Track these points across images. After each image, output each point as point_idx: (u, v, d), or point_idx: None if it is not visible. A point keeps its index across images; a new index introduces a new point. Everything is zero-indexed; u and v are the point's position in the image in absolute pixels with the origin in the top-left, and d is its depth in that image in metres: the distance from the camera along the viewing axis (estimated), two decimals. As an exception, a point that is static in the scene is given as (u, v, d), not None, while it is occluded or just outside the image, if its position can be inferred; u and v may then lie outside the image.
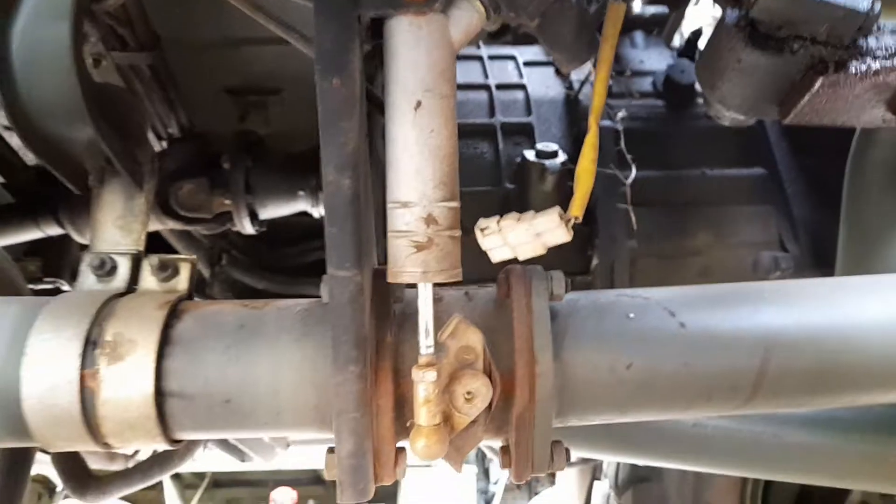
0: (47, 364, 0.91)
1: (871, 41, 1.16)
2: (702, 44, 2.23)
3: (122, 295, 1.04)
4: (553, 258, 1.05)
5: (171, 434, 0.96)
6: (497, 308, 1.03)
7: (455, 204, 0.92)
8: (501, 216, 1.00)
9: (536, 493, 4.43)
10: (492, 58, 2.27)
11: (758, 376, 1.03)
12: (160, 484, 5.96)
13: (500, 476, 6.31)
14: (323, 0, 0.85)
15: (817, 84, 1.15)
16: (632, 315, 1.04)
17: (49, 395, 0.90)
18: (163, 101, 1.80)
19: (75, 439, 0.93)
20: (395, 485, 5.87)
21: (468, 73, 2.20)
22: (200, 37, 1.70)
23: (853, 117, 1.23)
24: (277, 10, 1.22)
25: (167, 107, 1.83)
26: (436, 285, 0.91)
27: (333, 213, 0.87)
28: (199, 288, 2.15)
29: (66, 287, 1.81)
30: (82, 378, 0.91)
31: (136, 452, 1.60)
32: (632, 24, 2.40)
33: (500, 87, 2.15)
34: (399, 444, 0.98)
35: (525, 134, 2.05)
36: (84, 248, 1.47)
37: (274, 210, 1.92)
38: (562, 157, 1.80)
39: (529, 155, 1.83)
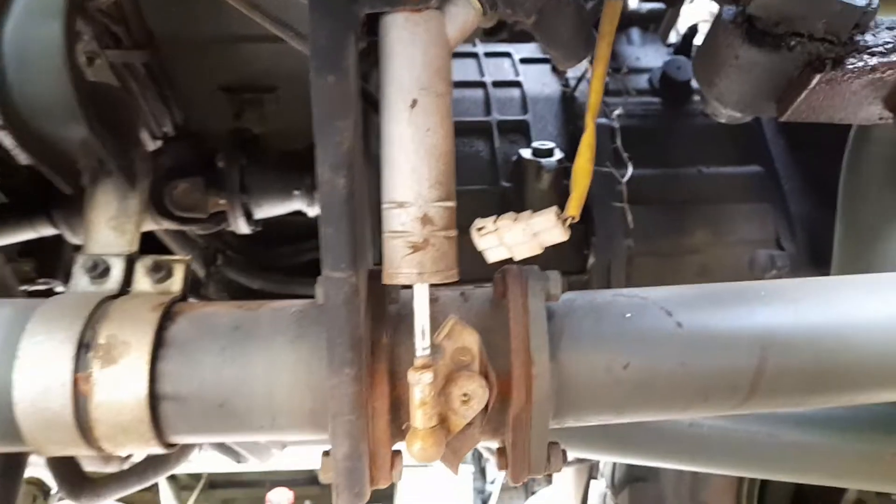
0: (40, 367, 0.90)
1: (869, 37, 1.15)
2: (698, 40, 2.22)
3: (115, 297, 1.03)
4: (549, 257, 1.04)
5: (165, 438, 0.96)
6: (493, 308, 1.03)
7: (451, 204, 0.91)
8: (498, 216, 0.99)
9: (533, 493, 4.43)
10: (487, 55, 2.25)
11: (755, 376, 1.03)
12: (156, 485, 5.95)
13: (497, 475, 6.31)
14: None
15: (814, 81, 1.14)
16: (629, 315, 1.04)
17: (41, 399, 0.90)
18: (157, 100, 1.79)
19: (68, 443, 0.92)
20: (392, 485, 5.82)
21: (464, 70, 2.19)
22: (195, 34, 1.69)
23: (850, 114, 1.23)
24: (272, 7, 1.21)
25: (162, 105, 1.82)
26: (432, 286, 0.90)
27: (328, 213, 0.86)
28: (194, 288, 2.14)
29: (60, 288, 1.80)
30: (75, 381, 0.90)
31: (131, 455, 1.59)
32: (628, 20, 2.39)
33: (495, 84, 2.14)
34: (395, 447, 0.97)
35: (521, 132, 2.03)
36: (78, 248, 1.46)
37: (269, 209, 1.91)
38: (558, 154, 1.79)
39: (525, 153, 1.82)
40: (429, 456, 0.86)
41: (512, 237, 0.98)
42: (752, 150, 2.05)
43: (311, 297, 1.00)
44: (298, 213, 1.96)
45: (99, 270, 1.06)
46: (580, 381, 1.00)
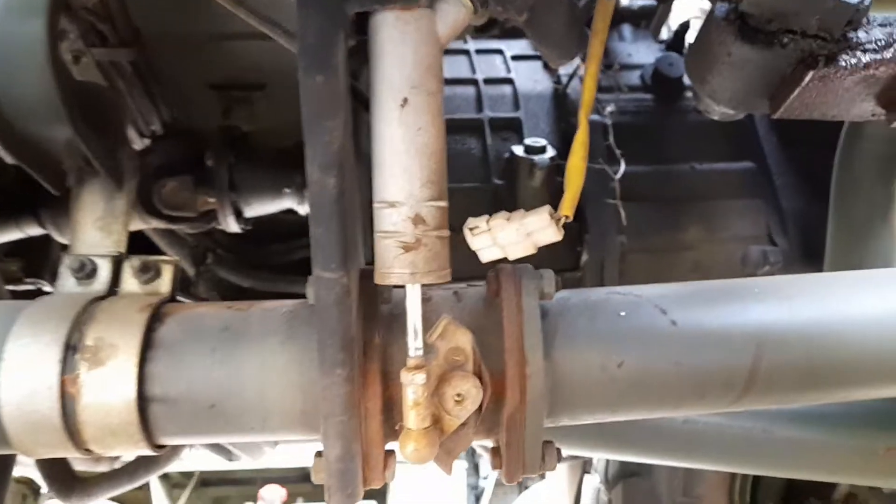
0: (26, 370, 0.89)
1: (861, 34, 1.15)
2: (690, 37, 2.22)
3: (102, 298, 1.02)
4: (542, 255, 1.04)
5: (154, 439, 0.95)
6: (486, 307, 1.02)
7: (443, 203, 0.90)
8: (491, 215, 0.98)
9: (526, 488, 4.43)
10: (479, 52, 2.24)
11: (750, 373, 1.03)
12: (147, 484, 5.93)
13: (490, 471, 6.32)
14: None
15: (807, 78, 1.14)
16: (623, 313, 1.03)
17: (28, 402, 0.88)
18: (145, 98, 1.77)
19: (56, 446, 0.91)
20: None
21: (455, 67, 2.18)
22: (182, 31, 1.68)
23: (843, 111, 1.23)
24: (260, 4, 1.20)
25: (149, 103, 1.80)
26: (424, 285, 0.89)
27: (318, 213, 0.85)
28: (184, 287, 2.12)
29: (47, 288, 1.78)
30: (62, 384, 0.89)
31: (122, 455, 1.58)
32: (619, 17, 2.38)
33: (487, 81, 2.13)
34: (388, 447, 0.97)
35: (513, 129, 2.03)
36: (66, 248, 1.44)
37: (259, 208, 1.90)
38: (551, 152, 1.79)
39: (518, 150, 1.81)
40: (422, 457, 0.85)
41: (505, 237, 0.97)
42: (744, 147, 2.04)
43: (303, 295, 1.00)
44: (289, 212, 1.95)
45: (86, 271, 1.05)
46: (575, 379, 0.99)
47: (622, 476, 2.50)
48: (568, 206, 0.97)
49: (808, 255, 1.90)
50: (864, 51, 1.15)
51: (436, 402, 0.88)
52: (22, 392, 0.88)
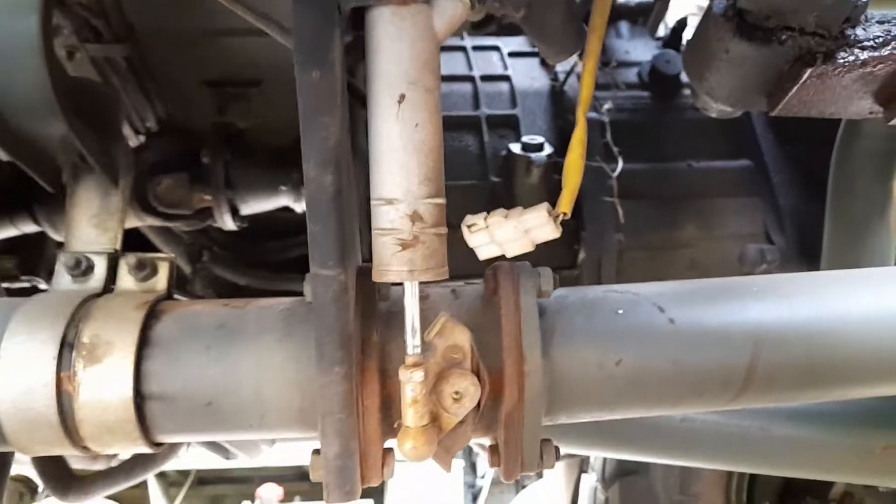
0: (22, 367, 0.89)
1: (860, 31, 1.15)
2: (687, 34, 2.22)
3: (98, 295, 1.01)
4: (540, 252, 1.03)
5: (151, 437, 0.94)
6: (484, 305, 1.02)
7: (441, 200, 0.90)
8: (488, 213, 0.98)
9: (524, 487, 4.43)
10: (475, 48, 2.24)
11: (748, 371, 1.03)
12: (145, 482, 5.93)
13: (487, 470, 6.33)
14: None
15: (805, 75, 1.14)
16: (621, 311, 1.03)
17: (24, 399, 0.88)
18: (140, 94, 1.76)
19: (53, 443, 0.91)
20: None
21: (452, 64, 2.18)
22: (177, 27, 1.67)
23: (841, 108, 1.23)
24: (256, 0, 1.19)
25: (144, 100, 1.79)
26: (422, 283, 0.89)
27: (316, 210, 0.85)
28: (180, 285, 2.11)
29: (43, 285, 1.78)
30: (58, 381, 0.88)
31: (119, 453, 1.57)
32: (616, 14, 2.38)
33: (484, 78, 2.13)
34: (386, 445, 0.96)
35: (510, 126, 2.02)
36: (61, 245, 1.43)
37: (255, 205, 1.89)
38: (548, 149, 1.78)
39: (515, 148, 1.81)
40: (420, 455, 0.85)
41: (503, 234, 0.96)
42: (741, 145, 2.05)
43: (299, 293, 0.99)
44: (285, 209, 1.94)
45: (82, 269, 1.05)
46: (572, 377, 0.99)
47: (619, 475, 2.51)
48: (566, 203, 0.97)
49: (806, 253, 1.90)
50: (863, 48, 1.15)
51: (434, 400, 0.88)
52: (18, 389, 0.88)
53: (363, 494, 0.95)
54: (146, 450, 0.95)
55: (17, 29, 1.05)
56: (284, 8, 0.94)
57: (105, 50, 1.60)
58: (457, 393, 0.88)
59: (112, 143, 1.18)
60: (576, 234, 1.86)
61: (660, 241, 1.93)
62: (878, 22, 1.16)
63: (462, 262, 1.05)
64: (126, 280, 1.05)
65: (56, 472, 1.33)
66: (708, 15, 1.18)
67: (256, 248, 2.21)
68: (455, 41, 2.25)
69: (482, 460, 6.49)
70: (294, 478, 6.96)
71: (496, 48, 2.25)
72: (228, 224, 1.86)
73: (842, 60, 1.13)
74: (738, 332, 1.03)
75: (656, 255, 1.92)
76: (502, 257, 1.04)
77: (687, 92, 2.10)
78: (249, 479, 6.93)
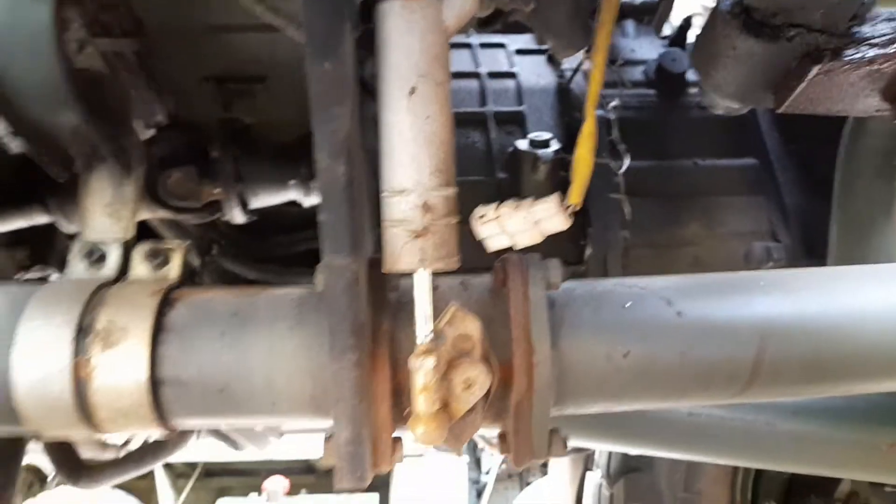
0: (39, 352, 0.90)
1: (867, 29, 1.16)
2: (692, 33, 2.22)
3: (112, 283, 1.02)
4: (546, 248, 1.04)
5: (165, 421, 0.95)
6: (493, 297, 1.02)
7: (452, 190, 0.91)
8: (499, 203, 0.99)
9: (528, 484, 4.44)
10: (482, 46, 2.25)
11: (754, 365, 1.03)
12: (152, 473, 5.95)
13: (492, 466, 6.32)
14: None
15: (812, 72, 1.15)
16: (629, 304, 1.04)
17: (41, 384, 0.89)
18: (148, 89, 1.77)
19: (69, 427, 0.92)
20: (388, 474, 5.89)
21: (458, 61, 2.18)
22: (183, 23, 1.68)
23: (847, 106, 1.23)
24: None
25: (153, 94, 1.80)
26: (432, 275, 0.90)
27: (328, 200, 0.86)
28: (189, 278, 2.12)
29: (54, 276, 1.79)
30: (75, 365, 0.90)
31: (128, 442, 1.59)
32: (622, 13, 2.39)
33: (490, 75, 2.13)
34: (396, 434, 0.97)
35: (517, 123, 2.03)
36: (71, 236, 1.44)
37: (264, 199, 1.90)
38: (555, 145, 1.79)
39: (522, 144, 1.82)
40: (432, 439, 0.86)
41: (513, 225, 0.97)
42: (747, 143, 2.05)
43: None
44: (292, 204, 1.95)
45: (95, 257, 1.06)
46: (580, 369, 1.00)
47: (624, 472, 2.51)
48: (576, 194, 0.98)
49: (811, 251, 1.90)
50: (870, 45, 1.15)
51: (444, 388, 0.89)
52: (35, 374, 0.89)
53: (368, 490, 0.96)
54: (160, 433, 0.96)
55: (31, 19, 1.07)
56: (294, 1, 0.95)
57: (114, 44, 1.61)
58: (467, 380, 0.89)
59: (123, 134, 1.19)
60: (582, 230, 1.87)
61: (665, 239, 1.93)
62: (885, 20, 1.17)
63: (469, 255, 1.06)
64: (139, 268, 1.06)
65: (68, 459, 1.34)
66: (715, 12, 1.19)
67: (264, 243, 2.22)
68: (461, 38, 2.26)
69: (487, 457, 6.49)
70: (300, 471, 6.97)
71: (502, 46, 2.26)
72: (237, 217, 1.87)
73: (849, 58, 1.14)
74: (745, 325, 1.04)
75: (662, 253, 1.92)
76: (511, 250, 1.05)
77: (693, 90, 2.10)
78: (256, 472, 6.94)
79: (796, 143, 2.03)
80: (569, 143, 1.47)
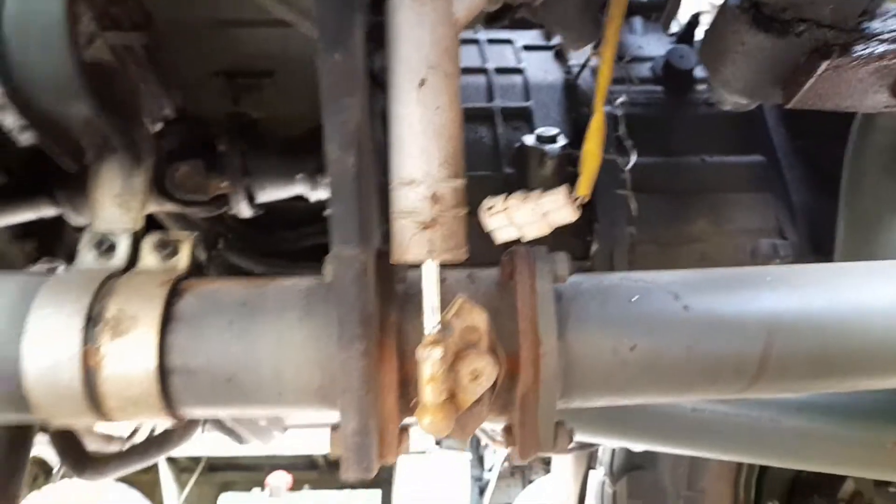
0: (49, 340, 0.90)
1: (876, 25, 1.15)
2: (700, 30, 2.22)
3: (121, 273, 1.03)
4: (553, 243, 1.04)
5: (173, 410, 0.96)
6: (500, 290, 1.03)
7: (460, 182, 0.91)
8: (507, 195, 0.99)
9: (531, 481, 4.44)
10: (489, 41, 2.25)
11: (761, 360, 1.03)
12: (156, 467, 5.98)
13: (495, 463, 6.33)
14: None
15: (821, 68, 1.14)
16: (635, 298, 1.04)
17: (51, 372, 0.90)
18: (156, 83, 1.78)
19: (78, 414, 0.93)
20: (391, 471, 5.91)
21: (466, 56, 2.18)
22: (192, 17, 1.68)
23: (856, 101, 1.23)
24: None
25: (161, 88, 1.81)
26: (440, 266, 0.90)
27: (338, 190, 0.86)
28: (196, 271, 2.13)
29: (63, 268, 1.79)
30: (84, 354, 0.90)
31: (133, 435, 1.59)
32: (630, 9, 2.38)
33: (498, 71, 2.13)
34: (402, 425, 0.98)
35: (524, 118, 2.03)
36: (79, 229, 1.45)
37: (272, 192, 1.90)
38: (562, 141, 1.79)
39: (529, 140, 1.82)
40: (439, 429, 0.86)
41: (521, 216, 0.98)
42: (754, 140, 2.05)
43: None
44: (299, 199, 1.96)
45: (105, 247, 1.06)
46: (587, 362, 1.00)
47: (627, 469, 2.51)
48: (584, 187, 0.98)
49: (818, 248, 1.90)
50: (880, 41, 1.15)
51: (451, 379, 0.89)
52: (45, 361, 0.90)
53: (371, 485, 0.97)
54: (169, 422, 0.96)
55: (43, 13, 1.07)
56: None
57: (123, 38, 1.62)
58: (474, 372, 0.89)
59: (133, 126, 1.20)
60: (589, 226, 1.86)
61: (672, 235, 1.93)
62: (895, 15, 1.17)
63: (476, 248, 1.06)
64: (148, 258, 1.06)
65: (73, 450, 1.35)
66: (724, 6, 1.19)
67: (270, 238, 2.22)
68: (469, 34, 2.26)
69: (489, 453, 6.50)
70: (303, 466, 7.00)
71: (509, 41, 2.26)
72: (245, 211, 1.88)
73: (858, 53, 1.14)
74: (752, 320, 1.04)
75: (668, 249, 1.92)
76: (517, 243, 1.05)
77: (700, 87, 2.10)
78: (259, 467, 6.96)
79: (803, 139, 2.03)
80: (576, 138, 1.47)
